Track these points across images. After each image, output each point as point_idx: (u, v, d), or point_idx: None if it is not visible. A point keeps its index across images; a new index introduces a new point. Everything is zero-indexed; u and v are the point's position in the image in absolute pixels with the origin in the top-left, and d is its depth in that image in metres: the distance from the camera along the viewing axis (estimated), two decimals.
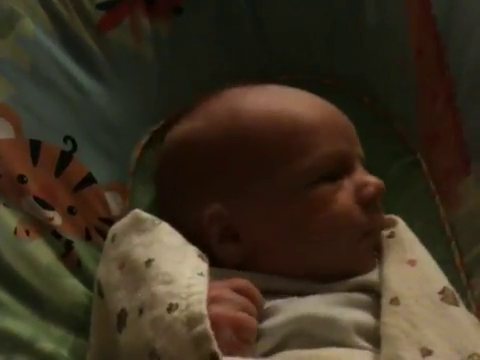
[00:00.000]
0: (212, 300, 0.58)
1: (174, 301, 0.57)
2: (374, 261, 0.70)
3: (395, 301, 0.63)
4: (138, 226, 0.67)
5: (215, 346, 0.54)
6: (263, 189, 0.68)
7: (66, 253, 0.72)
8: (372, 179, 0.70)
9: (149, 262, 0.62)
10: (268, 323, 0.62)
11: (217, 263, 0.67)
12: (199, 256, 0.63)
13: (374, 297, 0.65)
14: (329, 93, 0.85)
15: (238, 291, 0.61)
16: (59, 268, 0.71)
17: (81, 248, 0.73)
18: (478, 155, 0.79)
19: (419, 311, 0.62)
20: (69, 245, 0.73)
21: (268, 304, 0.64)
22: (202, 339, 0.54)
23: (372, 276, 0.68)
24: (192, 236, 0.67)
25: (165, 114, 0.82)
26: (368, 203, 0.68)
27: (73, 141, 0.76)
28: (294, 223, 0.67)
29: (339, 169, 0.69)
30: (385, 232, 0.72)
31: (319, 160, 0.68)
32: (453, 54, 0.82)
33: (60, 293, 0.70)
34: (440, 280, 0.67)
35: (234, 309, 0.59)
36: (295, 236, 0.68)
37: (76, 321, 0.71)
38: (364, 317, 0.63)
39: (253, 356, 0.60)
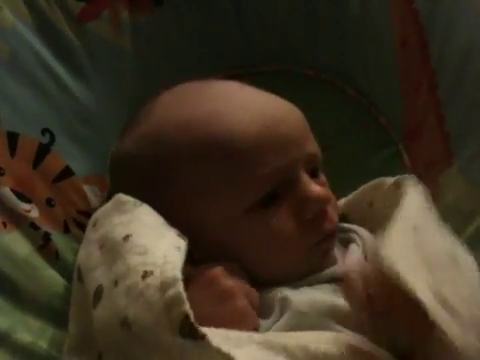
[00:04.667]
0: (220, 275, 0.59)
1: (148, 269, 0.56)
2: (333, 256, 0.68)
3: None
4: (119, 208, 0.65)
5: (188, 307, 0.52)
6: (200, 218, 0.65)
7: (44, 245, 0.72)
8: (313, 193, 0.65)
9: (126, 237, 0.60)
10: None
11: None
12: (178, 235, 0.61)
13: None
14: (312, 84, 0.86)
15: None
16: (37, 260, 0.71)
17: (59, 240, 0.74)
18: (460, 147, 0.79)
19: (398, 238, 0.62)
20: (47, 237, 0.73)
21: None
22: (174, 301, 0.53)
23: (339, 268, 0.67)
24: None
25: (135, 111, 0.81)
26: (312, 219, 0.65)
27: (51, 133, 0.75)
28: (239, 247, 0.65)
29: (278, 188, 0.65)
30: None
31: (252, 185, 0.64)
32: (436, 46, 0.81)
33: (38, 284, 0.70)
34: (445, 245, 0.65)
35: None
36: (243, 257, 0.65)
37: (55, 312, 0.71)
38: (341, 302, 0.63)
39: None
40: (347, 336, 0.59)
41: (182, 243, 0.59)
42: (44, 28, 0.78)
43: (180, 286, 0.54)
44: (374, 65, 0.86)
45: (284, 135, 0.65)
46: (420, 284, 0.57)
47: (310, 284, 0.65)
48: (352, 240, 0.71)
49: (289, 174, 0.65)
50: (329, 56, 0.87)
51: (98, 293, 0.59)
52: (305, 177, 0.66)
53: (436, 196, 0.80)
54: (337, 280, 0.65)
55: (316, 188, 0.66)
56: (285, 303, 0.61)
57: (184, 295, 0.53)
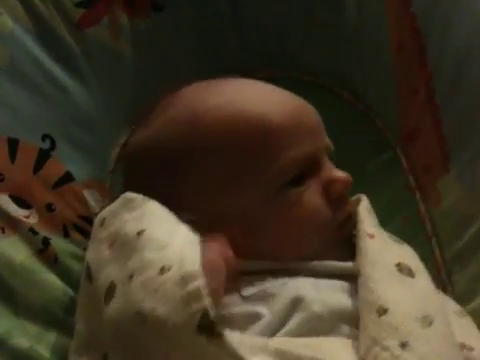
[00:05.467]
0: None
1: (166, 263, 0.56)
2: (349, 250, 0.69)
3: (358, 273, 0.64)
4: (128, 204, 0.66)
5: (207, 303, 0.52)
6: (231, 197, 0.67)
7: (43, 249, 0.72)
8: (339, 175, 0.70)
9: (141, 232, 0.61)
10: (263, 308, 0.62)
11: None
12: (189, 230, 0.61)
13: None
14: (309, 89, 0.86)
15: None
16: (35, 264, 0.71)
17: (58, 244, 0.73)
18: (458, 151, 0.79)
19: (376, 276, 0.63)
20: (46, 241, 0.73)
21: (257, 288, 0.64)
22: (194, 296, 0.53)
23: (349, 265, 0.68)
24: None
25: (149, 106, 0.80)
26: (337, 199, 0.69)
27: (51, 139, 0.76)
28: (268, 227, 0.67)
29: (306, 170, 0.69)
30: None
31: (285, 166, 0.67)
32: (433, 50, 0.82)
33: (36, 289, 0.70)
34: (397, 255, 0.67)
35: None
36: (270, 237, 0.67)
37: (53, 317, 0.71)
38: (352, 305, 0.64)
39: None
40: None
41: (195, 238, 0.60)
42: (43, 33, 0.78)
43: (201, 281, 0.53)
44: (371, 69, 0.86)
45: (310, 122, 0.71)
46: None
47: (319, 272, 0.66)
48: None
49: (316, 158, 0.69)
50: (326, 61, 0.88)
51: (111, 289, 0.59)
52: (329, 162, 0.71)
53: (435, 201, 0.81)
54: (345, 277, 0.66)
55: (340, 172, 0.70)
56: (298, 304, 0.62)
57: (206, 290, 0.53)
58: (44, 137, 0.76)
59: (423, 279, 0.66)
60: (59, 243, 0.74)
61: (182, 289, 0.54)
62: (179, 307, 0.53)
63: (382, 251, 0.67)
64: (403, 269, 0.64)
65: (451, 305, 0.71)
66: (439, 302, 0.64)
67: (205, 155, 0.68)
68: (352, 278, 0.66)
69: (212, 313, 0.52)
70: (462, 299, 0.74)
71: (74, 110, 0.79)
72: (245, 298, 0.63)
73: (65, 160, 0.77)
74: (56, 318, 0.71)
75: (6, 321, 0.67)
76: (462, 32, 0.79)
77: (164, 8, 0.84)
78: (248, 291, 0.64)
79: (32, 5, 0.77)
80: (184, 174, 0.68)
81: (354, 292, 0.64)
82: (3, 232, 0.70)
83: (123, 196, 0.68)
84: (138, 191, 0.68)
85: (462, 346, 0.63)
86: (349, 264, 0.68)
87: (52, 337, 0.70)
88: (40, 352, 0.69)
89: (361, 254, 0.66)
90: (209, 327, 0.52)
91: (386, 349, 0.57)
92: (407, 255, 0.68)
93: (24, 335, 0.68)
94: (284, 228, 0.68)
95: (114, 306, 0.58)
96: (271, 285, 0.64)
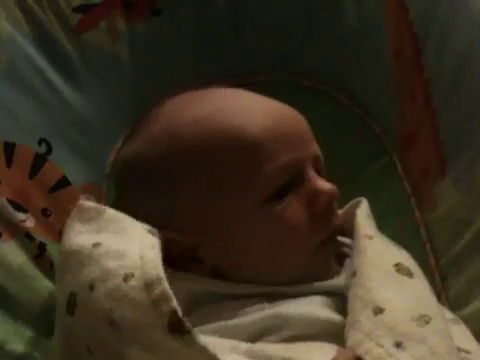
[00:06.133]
0: None
1: (128, 271, 0.57)
2: (336, 267, 0.70)
3: (353, 274, 0.64)
4: (81, 215, 0.66)
5: (175, 303, 0.54)
6: (213, 212, 0.66)
7: (39, 255, 0.72)
8: (323, 187, 0.67)
9: (96, 245, 0.61)
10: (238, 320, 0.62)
11: None
12: (149, 231, 0.62)
13: (342, 300, 0.65)
14: (307, 93, 0.87)
15: None
16: (32, 270, 0.71)
17: (55, 250, 0.73)
18: (454, 157, 0.79)
19: (373, 276, 0.63)
20: (42, 247, 0.73)
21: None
22: (161, 299, 0.54)
23: (340, 281, 0.68)
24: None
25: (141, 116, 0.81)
26: (322, 213, 0.67)
27: (48, 143, 0.76)
28: (250, 242, 0.66)
29: (288, 182, 0.66)
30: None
31: (264, 179, 0.65)
32: (430, 56, 0.82)
33: (32, 295, 0.70)
34: (396, 256, 0.67)
35: None
36: (252, 253, 0.66)
37: (49, 323, 0.70)
38: (336, 318, 0.63)
39: None
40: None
41: (155, 241, 0.60)
42: (41, 38, 0.78)
43: (165, 283, 0.55)
44: (370, 74, 0.86)
45: (294, 132, 0.68)
46: None
47: (305, 293, 0.65)
48: (347, 255, 0.71)
49: (299, 169, 0.67)
50: (325, 64, 0.88)
51: (72, 300, 0.60)
52: (313, 173, 0.68)
53: (431, 206, 0.81)
54: (330, 294, 0.66)
55: (325, 183, 0.68)
56: (277, 321, 0.62)
57: (170, 292, 0.54)
58: (40, 141, 0.75)
59: (421, 280, 0.66)
60: (55, 248, 0.73)
61: (149, 294, 0.55)
62: (150, 310, 0.55)
63: (381, 252, 0.67)
64: (402, 269, 0.64)
65: (445, 312, 0.71)
66: (436, 303, 0.64)
67: (185, 173, 0.67)
68: (334, 294, 0.66)
69: (180, 312, 0.54)
70: (457, 304, 0.74)
71: (71, 114, 0.79)
72: None
73: (62, 164, 0.77)
74: (53, 325, 0.69)
75: (2, 326, 0.68)
76: (459, 39, 0.79)
77: (162, 12, 0.84)
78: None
79: (30, 10, 0.77)
80: (167, 192, 0.68)
81: (333, 305, 0.65)
82: (0, 237, 0.70)
83: (77, 205, 0.67)
84: (125, 206, 0.68)
85: (459, 350, 0.62)
86: (333, 282, 0.67)
87: (48, 343, 0.70)
88: (36, 357, 0.69)
89: (359, 255, 0.66)
90: (179, 324, 0.53)
91: (381, 346, 0.57)
92: (406, 257, 0.68)
93: (20, 341, 0.68)
94: (264, 246, 0.66)
95: (80, 316, 0.59)
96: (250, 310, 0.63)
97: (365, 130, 0.87)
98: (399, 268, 0.64)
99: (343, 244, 0.73)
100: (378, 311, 0.59)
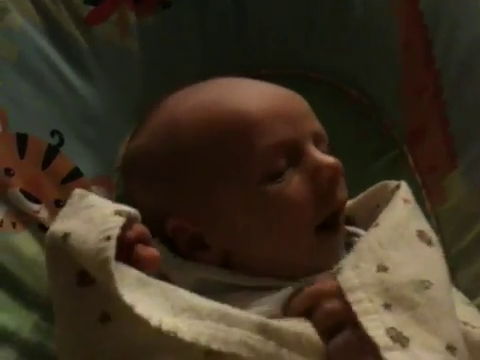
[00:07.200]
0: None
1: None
2: (339, 255, 0.67)
3: (375, 225, 0.64)
4: (69, 199, 0.66)
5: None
6: (217, 197, 0.66)
7: None
8: (325, 161, 0.66)
9: (66, 236, 0.60)
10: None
11: None
12: (116, 213, 0.59)
13: None
14: (315, 87, 0.86)
15: None
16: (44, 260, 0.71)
17: None
18: (464, 149, 0.80)
19: (392, 234, 0.63)
20: None
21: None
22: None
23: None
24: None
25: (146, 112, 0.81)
26: (327, 188, 0.66)
27: (60, 135, 0.76)
28: (253, 224, 0.66)
29: (287, 159, 0.66)
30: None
31: (261, 155, 0.65)
32: (440, 47, 0.82)
33: (45, 284, 0.69)
34: (423, 225, 0.67)
35: None
36: (256, 236, 0.66)
37: None
38: None
39: None
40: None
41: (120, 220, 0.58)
42: (52, 30, 0.78)
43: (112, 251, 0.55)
44: (377, 66, 0.86)
45: (291, 110, 0.68)
46: (371, 323, 0.56)
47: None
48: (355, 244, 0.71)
49: (297, 146, 0.67)
50: (332, 58, 0.87)
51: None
52: (314, 149, 0.67)
53: (440, 199, 0.81)
54: None
55: (328, 156, 0.67)
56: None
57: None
58: (53, 133, 0.76)
59: (438, 251, 0.65)
60: None
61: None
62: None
63: (410, 216, 0.66)
64: (423, 236, 0.64)
65: (459, 295, 0.71)
66: (446, 274, 0.63)
67: (187, 159, 0.68)
68: None
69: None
70: (466, 296, 0.74)
71: (81, 106, 0.79)
72: None
73: (73, 156, 0.77)
74: None
75: (19, 316, 0.68)
76: (469, 29, 0.80)
77: (172, 4, 0.84)
78: None
79: (41, 2, 0.77)
80: (170, 179, 0.68)
81: None
82: (14, 227, 0.70)
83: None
84: (132, 197, 0.70)
85: (465, 323, 0.63)
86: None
87: None
88: (51, 347, 0.69)
89: (389, 211, 0.66)
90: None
91: (371, 301, 0.57)
92: (431, 230, 0.67)
93: (35, 330, 0.69)
94: (265, 233, 0.66)
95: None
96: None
97: (375, 123, 0.87)
98: (421, 235, 0.64)
99: (354, 234, 0.72)
100: (381, 269, 0.59)
